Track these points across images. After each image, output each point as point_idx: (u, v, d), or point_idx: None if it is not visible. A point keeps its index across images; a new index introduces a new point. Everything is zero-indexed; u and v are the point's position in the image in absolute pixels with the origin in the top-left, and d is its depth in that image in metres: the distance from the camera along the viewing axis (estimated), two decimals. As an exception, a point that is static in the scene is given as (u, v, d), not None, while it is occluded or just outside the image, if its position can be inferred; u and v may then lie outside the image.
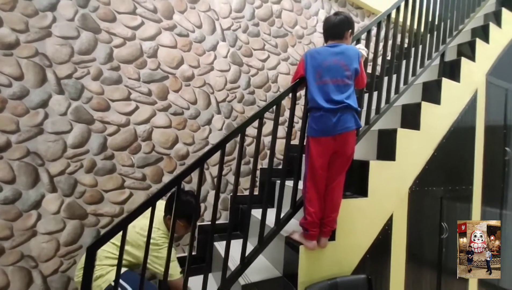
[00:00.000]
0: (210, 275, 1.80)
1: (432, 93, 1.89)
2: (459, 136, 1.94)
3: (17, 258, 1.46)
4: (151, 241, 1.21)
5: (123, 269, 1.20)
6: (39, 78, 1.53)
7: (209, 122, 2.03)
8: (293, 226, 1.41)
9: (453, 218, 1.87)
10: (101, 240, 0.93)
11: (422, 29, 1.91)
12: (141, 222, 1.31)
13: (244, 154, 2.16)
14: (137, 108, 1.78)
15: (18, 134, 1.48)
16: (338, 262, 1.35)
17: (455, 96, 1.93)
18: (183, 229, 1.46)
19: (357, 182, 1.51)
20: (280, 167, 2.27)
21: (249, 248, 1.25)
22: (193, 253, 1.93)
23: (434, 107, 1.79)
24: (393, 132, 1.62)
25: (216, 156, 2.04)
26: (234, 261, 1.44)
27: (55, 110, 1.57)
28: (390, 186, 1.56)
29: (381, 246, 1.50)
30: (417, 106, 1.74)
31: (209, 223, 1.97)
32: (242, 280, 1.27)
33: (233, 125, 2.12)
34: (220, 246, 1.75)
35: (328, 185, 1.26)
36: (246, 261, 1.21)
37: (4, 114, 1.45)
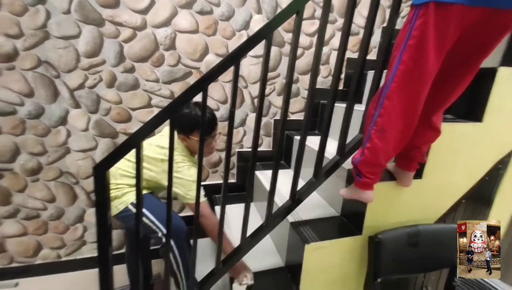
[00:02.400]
0: (252, 204, 1.67)
1: None
2: None
3: (57, 174, 1.44)
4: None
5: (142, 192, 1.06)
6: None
7: (246, 25, 1.53)
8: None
9: None
10: (110, 158, 0.70)
11: None
12: (157, 138, 1.16)
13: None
14: (153, 2, 1.36)
15: (23, 38, 1.24)
16: (421, 206, 1.01)
17: None
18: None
19: (466, 100, 1.01)
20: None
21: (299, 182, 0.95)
22: (232, 181, 1.79)
23: None
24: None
25: (256, 72, 1.67)
26: (279, 195, 1.21)
27: (57, 6, 1.25)
28: (521, 108, 1.02)
29: (484, 191, 1.09)
30: None
31: (249, 149, 1.74)
32: (290, 217, 1.04)
33: (278, 32, 1.60)
34: (262, 175, 1.53)
35: (431, 106, 0.77)
36: (297, 196, 0.93)
37: (2, 13, 1.19)
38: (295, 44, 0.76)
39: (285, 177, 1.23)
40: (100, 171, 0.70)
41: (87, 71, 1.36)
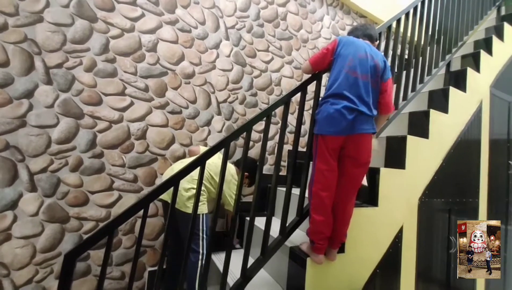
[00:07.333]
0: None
1: (439, 102, 1.85)
2: (466, 147, 1.88)
3: (-15, 266, 1.29)
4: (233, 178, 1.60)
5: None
6: (26, 65, 1.40)
7: (208, 122, 1.92)
8: (302, 238, 1.29)
9: (461, 232, 1.78)
10: (81, 247, 0.79)
11: (425, 40, 1.89)
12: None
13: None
14: (132, 104, 1.66)
15: (-4, 125, 1.34)
16: (348, 277, 1.23)
17: (462, 106, 1.89)
18: (247, 181, 1.78)
19: (366, 190, 1.42)
20: (281, 174, 2.16)
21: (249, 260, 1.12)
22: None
23: (442, 115, 1.74)
24: (403, 139, 1.54)
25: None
26: (231, 274, 1.31)
27: (41, 101, 1.43)
28: (401, 196, 1.47)
29: (391, 260, 1.39)
30: (425, 114, 1.69)
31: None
32: (242, 297, 1.13)
33: (233, 127, 2.01)
34: (214, 256, 1.60)
35: (340, 198, 1.14)
36: (248, 273, 1.08)
37: (-17, 103, 1.31)
38: (247, 138, 1.08)
39: (235, 256, 1.36)
40: (70, 259, 0.78)
41: (54, 156, 1.45)
